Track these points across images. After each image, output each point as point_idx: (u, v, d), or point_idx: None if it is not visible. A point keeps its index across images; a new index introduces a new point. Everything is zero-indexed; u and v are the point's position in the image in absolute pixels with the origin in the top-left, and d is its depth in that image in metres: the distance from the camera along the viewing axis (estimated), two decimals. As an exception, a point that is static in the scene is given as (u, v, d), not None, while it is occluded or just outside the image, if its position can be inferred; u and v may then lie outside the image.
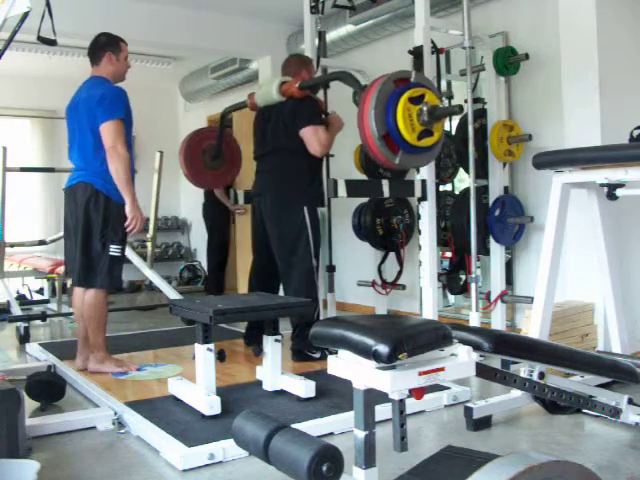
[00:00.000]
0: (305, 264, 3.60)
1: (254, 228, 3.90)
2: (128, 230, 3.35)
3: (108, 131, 3.23)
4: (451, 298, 5.07)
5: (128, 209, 3.30)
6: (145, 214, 3.46)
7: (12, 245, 5.83)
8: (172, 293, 5.30)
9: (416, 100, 2.90)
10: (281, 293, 3.88)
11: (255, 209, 3.86)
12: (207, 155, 4.29)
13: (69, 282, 3.57)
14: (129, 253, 4.71)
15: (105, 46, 3.42)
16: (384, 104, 2.87)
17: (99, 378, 3.30)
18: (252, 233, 3.94)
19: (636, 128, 3.02)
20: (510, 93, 4.37)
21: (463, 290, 4.37)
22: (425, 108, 2.87)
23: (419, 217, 3.69)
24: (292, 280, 3.63)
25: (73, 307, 3.55)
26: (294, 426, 1.69)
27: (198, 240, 8.44)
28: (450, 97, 4.61)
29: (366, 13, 4.92)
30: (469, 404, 2.59)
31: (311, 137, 3.55)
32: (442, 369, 1.58)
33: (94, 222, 3.30)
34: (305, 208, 3.59)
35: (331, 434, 2.53)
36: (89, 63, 3.49)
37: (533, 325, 2.86)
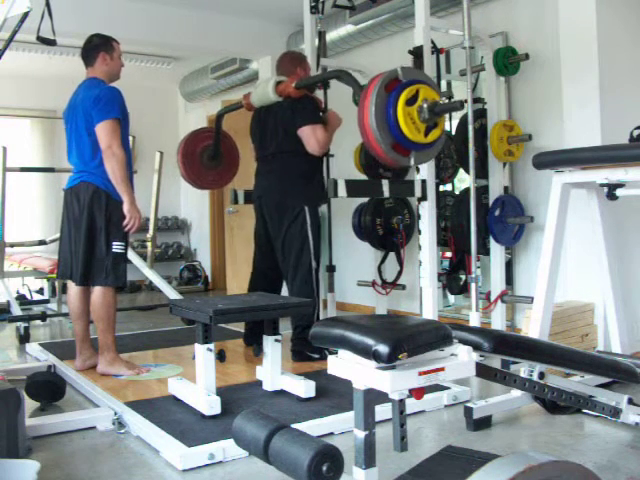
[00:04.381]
0: (306, 266, 3.62)
1: (256, 231, 3.92)
2: (126, 230, 3.35)
3: (103, 131, 3.23)
4: (451, 298, 5.07)
5: (126, 208, 3.30)
6: (144, 214, 3.46)
7: (12, 245, 5.84)
8: (172, 293, 5.31)
9: (413, 100, 2.78)
10: (284, 294, 3.88)
11: (257, 211, 3.87)
12: (205, 156, 4.30)
13: (69, 282, 3.53)
14: (129, 253, 4.70)
15: (98, 47, 3.42)
16: (384, 117, 2.74)
17: (99, 378, 3.30)
18: (255, 237, 3.95)
19: (636, 128, 3.02)
20: (510, 93, 4.37)
21: (463, 290, 4.37)
22: (425, 105, 2.77)
23: (419, 217, 3.69)
24: (294, 282, 3.65)
25: (69, 307, 3.53)
26: (294, 426, 1.68)
27: (198, 240, 8.44)
28: (450, 97, 4.61)
29: (366, 13, 4.92)
30: (469, 404, 2.59)
31: (309, 136, 3.55)
32: (442, 369, 1.58)
33: (98, 220, 3.31)
34: (306, 208, 3.61)
35: (331, 434, 2.53)
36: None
37: (533, 325, 2.86)
